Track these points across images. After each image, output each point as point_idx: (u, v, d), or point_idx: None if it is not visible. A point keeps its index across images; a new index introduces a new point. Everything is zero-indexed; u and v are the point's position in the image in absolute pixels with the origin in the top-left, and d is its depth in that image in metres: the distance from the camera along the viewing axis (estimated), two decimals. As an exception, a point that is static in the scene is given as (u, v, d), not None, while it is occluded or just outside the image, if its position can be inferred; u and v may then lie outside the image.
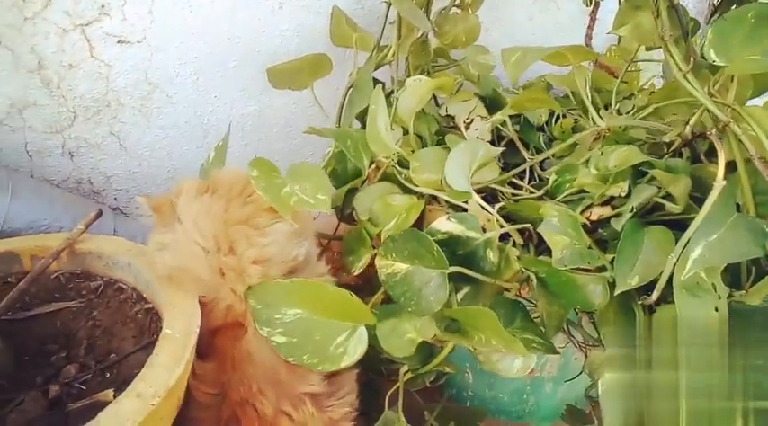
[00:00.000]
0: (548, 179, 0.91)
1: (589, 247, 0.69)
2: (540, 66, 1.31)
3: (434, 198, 0.87)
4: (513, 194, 0.88)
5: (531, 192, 0.88)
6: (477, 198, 0.74)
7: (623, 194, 0.70)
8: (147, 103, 1.04)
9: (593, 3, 0.89)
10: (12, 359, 0.71)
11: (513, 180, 0.90)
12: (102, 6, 0.95)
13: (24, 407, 0.65)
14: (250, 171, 0.77)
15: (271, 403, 0.67)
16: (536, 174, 0.97)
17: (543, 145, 1.02)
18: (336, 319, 0.69)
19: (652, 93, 0.95)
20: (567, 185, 0.81)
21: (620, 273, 0.64)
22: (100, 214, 0.87)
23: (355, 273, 0.81)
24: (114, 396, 0.64)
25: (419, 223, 0.85)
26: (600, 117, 0.77)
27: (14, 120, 0.98)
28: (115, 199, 1.11)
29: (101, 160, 1.06)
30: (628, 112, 0.99)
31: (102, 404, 0.61)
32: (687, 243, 0.61)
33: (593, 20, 0.91)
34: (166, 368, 0.63)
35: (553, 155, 0.98)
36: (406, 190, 0.87)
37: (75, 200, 1.01)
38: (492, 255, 0.72)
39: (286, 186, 0.77)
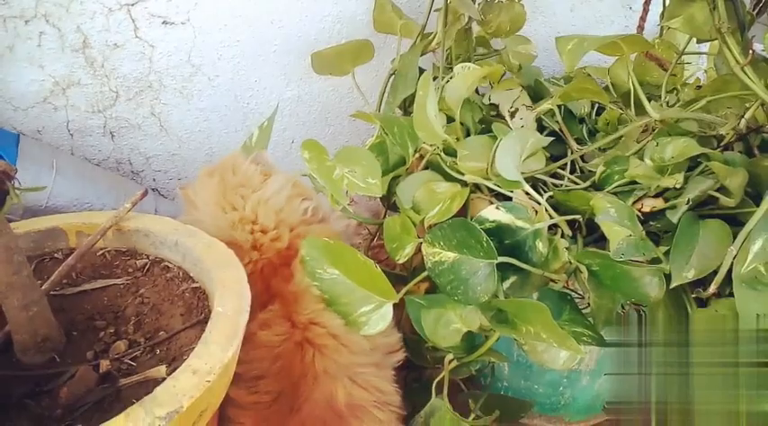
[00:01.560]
0: (590, 170, 0.91)
1: (642, 239, 0.68)
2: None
3: (477, 187, 0.87)
4: (556, 185, 0.88)
5: (575, 183, 0.88)
6: (527, 187, 0.74)
7: (678, 186, 0.69)
8: (188, 85, 1.04)
9: (647, -8, 0.88)
10: (62, 333, 0.72)
11: (556, 170, 0.90)
12: (149, -14, 0.95)
13: (76, 381, 0.66)
14: (302, 152, 0.77)
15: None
16: (578, 166, 0.96)
17: (585, 136, 1.01)
18: (366, 289, 0.74)
19: (698, 87, 0.94)
20: (617, 177, 0.80)
21: (676, 266, 0.64)
22: (146, 193, 0.87)
23: (400, 262, 0.81)
24: (166, 373, 0.65)
25: (462, 211, 0.85)
26: (651, 109, 0.76)
27: (57, 99, 0.99)
28: (154, 179, 1.11)
29: (141, 141, 1.07)
30: (674, 105, 0.98)
31: (154, 381, 0.62)
32: (747, 236, 0.60)
33: (645, 10, 0.90)
34: (220, 346, 0.63)
35: (597, 148, 0.97)
36: (450, 179, 0.87)
37: (118, 180, 1.02)
38: (541, 246, 0.72)
39: (336, 169, 0.77)
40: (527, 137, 0.78)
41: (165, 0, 0.96)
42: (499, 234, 0.74)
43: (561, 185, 0.88)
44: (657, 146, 0.71)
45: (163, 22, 0.98)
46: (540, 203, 0.74)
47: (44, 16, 0.92)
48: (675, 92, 1.05)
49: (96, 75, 0.99)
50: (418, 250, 0.82)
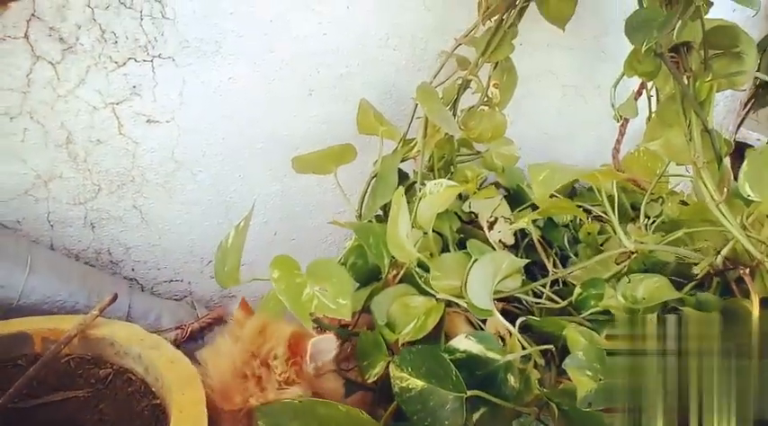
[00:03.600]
0: (572, 283, 0.89)
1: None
2: (562, 153, 1.31)
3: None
4: (537, 302, 0.86)
5: (554, 301, 0.86)
6: (498, 316, 0.72)
7: (651, 326, 0.68)
8: (171, 180, 1.04)
9: (623, 118, 0.89)
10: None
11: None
12: (134, 87, 0.96)
13: None
14: (271, 272, 0.76)
15: None
16: (559, 279, 0.95)
17: (567, 244, 1.00)
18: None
19: (682, 201, 0.93)
20: (593, 301, 0.79)
21: (647, 415, 0.61)
22: (115, 298, 0.86)
23: (370, 381, 0.79)
24: None
25: (438, 326, 0.83)
26: (627, 235, 0.75)
27: (39, 191, 0.99)
28: (133, 269, 1.10)
29: (121, 232, 1.06)
30: (656, 217, 0.97)
31: None
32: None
33: (621, 133, 0.91)
34: (169, 486, 0.61)
35: (576, 255, 0.96)
36: (425, 292, 0.86)
37: (93, 275, 1.01)
38: (513, 380, 0.70)
39: (306, 287, 0.76)
40: (501, 260, 0.77)
41: (150, 100, 0.97)
42: (470, 364, 0.72)
43: (541, 303, 0.87)
44: (630, 283, 0.70)
45: (147, 121, 0.99)
46: (513, 332, 0.73)
47: (29, 113, 0.93)
48: (661, 201, 1.05)
49: (79, 170, 0.99)
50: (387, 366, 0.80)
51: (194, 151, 1.04)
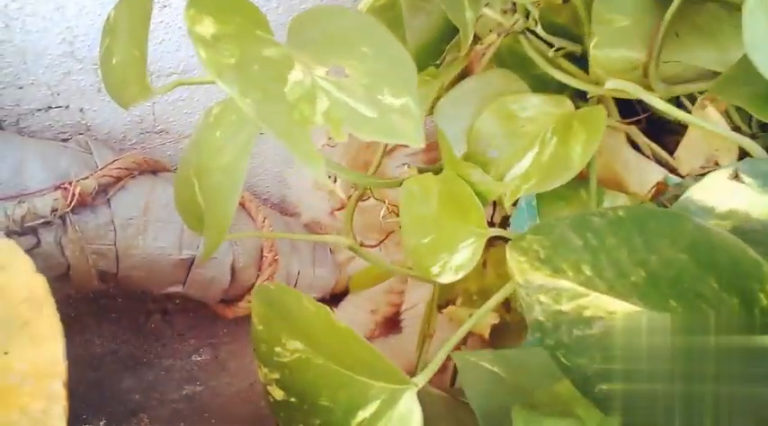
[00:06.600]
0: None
1: None
2: None
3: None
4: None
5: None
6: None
7: None
8: None
9: None
10: None
11: None
12: None
13: None
14: (194, 31, 0.27)
15: None
16: None
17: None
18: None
19: None
20: None
21: None
22: None
23: (445, 280, 0.35)
24: None
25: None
26: None
27: None
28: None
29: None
30: None
31: None
32: None
33: None
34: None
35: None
36: (548, 86, 0.39)
37: None
38: None
39: (294, 71, 0.27)
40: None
41: None
42: (736, 246, 0.27)
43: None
44: None
45: None
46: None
47: None
48: None
49: None
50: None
51: None
